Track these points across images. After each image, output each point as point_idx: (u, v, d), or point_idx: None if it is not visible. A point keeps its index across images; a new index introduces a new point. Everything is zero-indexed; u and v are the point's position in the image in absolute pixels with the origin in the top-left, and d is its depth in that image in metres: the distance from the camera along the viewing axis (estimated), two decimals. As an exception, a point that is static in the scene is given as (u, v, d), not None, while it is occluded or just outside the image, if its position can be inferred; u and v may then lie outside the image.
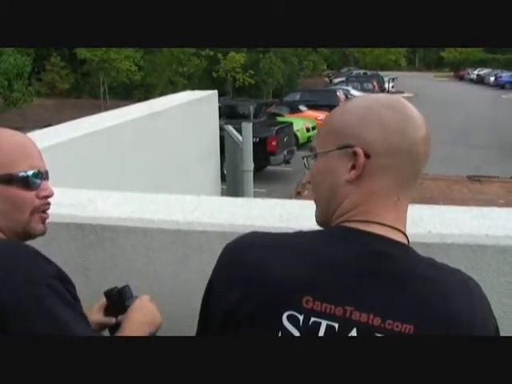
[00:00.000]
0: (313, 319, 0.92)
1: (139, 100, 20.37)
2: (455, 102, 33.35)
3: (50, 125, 5.85)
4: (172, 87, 29.16)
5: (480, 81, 49.54)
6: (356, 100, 1.09)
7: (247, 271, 0.98)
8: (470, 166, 12.99)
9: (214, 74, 33.75)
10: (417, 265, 0.99)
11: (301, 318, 0.92)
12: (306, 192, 4.54)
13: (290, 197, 4.77)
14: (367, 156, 0.98)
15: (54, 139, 3.16)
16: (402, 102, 1.03)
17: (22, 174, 1.23)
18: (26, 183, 1.23)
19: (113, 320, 1.38)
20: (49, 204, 1.31)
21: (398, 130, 0.98)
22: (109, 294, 1.42)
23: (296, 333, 0.93)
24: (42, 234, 1.30)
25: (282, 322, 0.93)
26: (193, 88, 7.60)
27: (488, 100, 35.10)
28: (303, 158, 1.14)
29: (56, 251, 1.48)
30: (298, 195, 4.59)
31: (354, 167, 1.00)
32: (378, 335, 0.91)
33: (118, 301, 1.40)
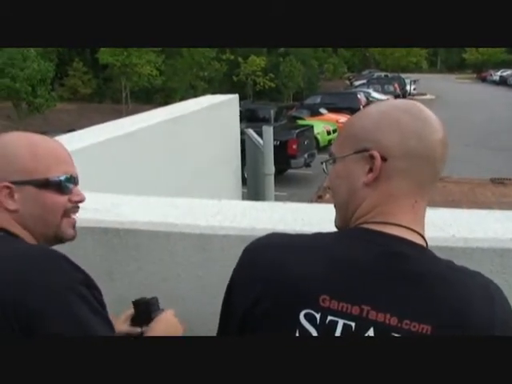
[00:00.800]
0: (329, 318, 0.93)
1: (160, 104, 20.49)
2: (478, 104, 33.00)
3: (73, 130, 5.92)
4: (193, 91, 29.32)
5: (503, 82, 48.93)
6: (372, 105, 1.10)
7: (264, 271, 1.00)
8: (493, 168, 12.83)
9: (235, 78, 33.86)
10: (435, 266, 0.99)
11: (318, 316, 0.93)
12: (328, 195, 4.53)
13: (310, 200, 4.76)
14: (384, 159, 0.99)
15: (78, 144, 3.20)
16: (418, 106, 1.04)
17: (56, 178, 1.25)
18: (59, 188, 1.26)
19: (138, 330, 1.39)
20: (78, 208, 1.33)
21: (415, 134, 1.00)
22: (136, 304, 1.43)
23: (313, 331, 0.94)
24: (72, 238, 1.32)
25: (299, 320, 0.94)
26: (213, 92, 7.65)
27: (511, 101, 34.65)
28: (322, 163, 1.16)
29: (81, 255, 1.50)
30: (319, 199, 4.58)
31: (371, 170, 1.01)
32: (395, 335, 0.91)
33: (145, 311, 1.40)
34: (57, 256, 1.12)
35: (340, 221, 1.11)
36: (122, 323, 1.41)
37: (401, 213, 1.01)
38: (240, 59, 33.29)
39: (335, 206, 1.12)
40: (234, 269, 1.09)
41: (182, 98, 17.07)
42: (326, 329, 0.93)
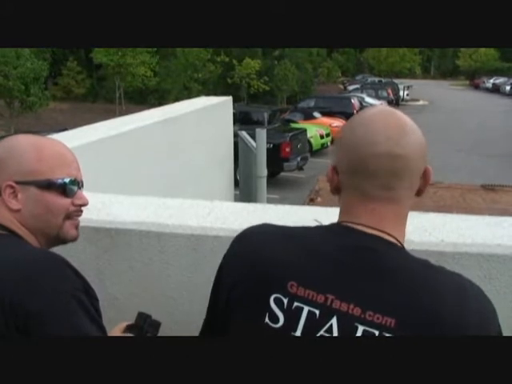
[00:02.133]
0: (296, 304, 0.98)
1: (154, 105, 20.48)
2: (470, 111, 33.15)
3: (66, 129, 5.91)
4: (187, 93, 29.27)
5: (496, 89, 49.19)
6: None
7: (246, 255, 1.09)
8: (484, 174, 12.88)
9: (229, 80, 33.85)
10: (406, 262, 1.01)
11: (285, 301, 0.99)
12: (319, 199, 4.54)
13: (303, 203, 4.77)
14: (337, 173, 1.08)
15: (71, 143, 3.19)
16: (373, 116, 1.07)
17: (60, 180, 1.26)
18: (63, 190, 1.27)
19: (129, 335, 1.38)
20: (82, 211, 1.34)
21: (352, 147, 1.05)
22: (142, 316, 1.40)
23: (280, 315, 0.99)
24: (75, 239, 1.33)
25: (269, 303, 1.00)
26: (207, 94, 7.66)
27: (504, 109, 34.82)
28: None
29: (72, 254, 1.50)
30: (311, 202, 4.58)
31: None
32: (358, 325, 0.94)
33: (143, 329, 1.37)
34: (62, 262, 1.14)
35: None
36: (118, 331, 1.40)
37: (365, 216, 1.05)
38: (234, 61, 33.28)
39: None
40: (221, 261, 1.17)
41: (176, 100, 17.06)
42: (292, 314, 0.98)
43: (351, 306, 0.95)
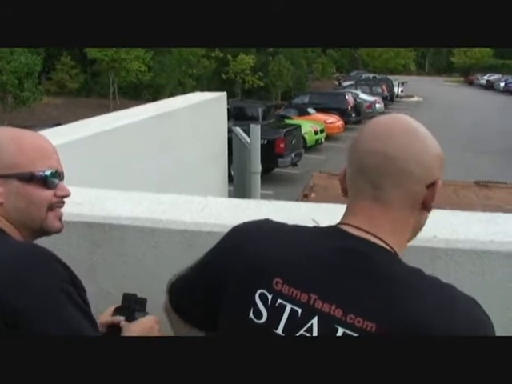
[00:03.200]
0: (279, 301, 0.99)
1: (148, 100, 20.44)
2: (465, 107, 33.23)
3: (59, 124, 5.89)
4: (181, 88, 29.20)
5: (490, 86, 49.33)
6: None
7: (236, 249, 1.11)
8: (478, 171, 12.93)
9: (224, 76, 33.79)
10: (396, 269, 1.00)
11: (270, 297, 1.00)
12: (313, 194, 4.55)
13: (296, 199, 4.77)
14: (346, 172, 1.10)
15: (64, 138, 3.18)
16: (385, 120, 1.10)
17: (41, 173, 1.26)
18: (44, 182, 1.27)
19: (120, 318, 1.39)
20: (64, 203, 1.34)
21: (355, 146, 1.08)
22: (125, 297, 1.42)
23: (264, 312, 1.00)
24: (59, 231, 1.33)
25: (255, 298, 1.01)
26: (202, 89, 7.64)
27: (497, 106, 34.94)
28: None
29: (64, 249, 1.50)
30: (305, 198, 4.58)
31: None
32: (338, 327, 0.93)
33: (128, 307, 1.39)
34: (48, 255, 1.13)
35: None
36: (107, 315, 1.41)
37: (358, 216, 1.06)
38: (229, 57, 33.22)
39: None
40: (214, 246, 1.22)
41: (171, 95, 17.03)
42: (275, 311, 0.99)
43: (333, 307, 0.95)
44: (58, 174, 1.31)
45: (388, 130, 1.05)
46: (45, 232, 1.31)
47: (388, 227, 1.04)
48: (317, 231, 1.11)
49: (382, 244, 1.02)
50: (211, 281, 1.13)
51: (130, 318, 1.37)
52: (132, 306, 1.38)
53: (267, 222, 1.19)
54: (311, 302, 0.96)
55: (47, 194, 1.28)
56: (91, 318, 1.15)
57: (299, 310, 0.97)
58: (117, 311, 1.39)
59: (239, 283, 1.05)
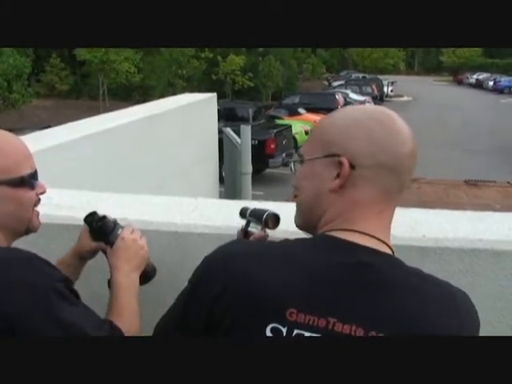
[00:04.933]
0: (296, 331, 0.92)
1: (138, 102, 20.35)
2: (454, 107, 33.37)
3: (49, 126, 5.86)
4: (171, 89, 29.15)
5: (479, 85, 49.55)
6: (345, 111, 1.10)
7: (234, 281, 0.98)
8: (467, 170, 13.00)
9: (214, 77, 33.74)
10: (401, 275, 0.99)
11: (284, 330, 0.93)
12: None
13: (287, 200, 4.78)
14: (352, 167, 1.00)
15: (54, 141, 3.18)
16: (390, 115, 1.05)
17: (27, 175, 1.25)
18: (30, 183, 1.27)
19: (103, 245, 1.46)
20: (40, 200, 1.34)
21: (385, 146, 1.01)
22: (89, 223, 1.50)
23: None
24: (37, 229, 1.33)
25: (265, 334, 0.93)
26: (192, 90, 7.63)
27: (487, 105, 35.11)
28: (290, 162, 1.17)
29: (56, 252, 1.49)
30: (296, 198, 4.60)
31: (338, 176, 1.02)
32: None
33: (101, 233, 1.47)
34: (32, 257, 1.13)
35: (301, 221, 1.13)
36: (85, 239, 1.49)
37: (366, 221, 1.02)
38: (219, 58, 33.19)
39: (298, 205, 1.13)
40: (200, 272, 1.08)
41: (161, 96, 16.96)
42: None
43: (353, 328, 0.91)
44: (36, 172, 1.30)
45: (402, 125, 1.04)
46: (27, 232, 1.31)
47: (389, 230, 1.05)
48: (309, 245, 1.03)
49: (386, 250, 1.02)
50: (200, 323, 1.02)
51: (109, 243, 1.45)
52: (104, 232, 1.46)
53: (243, 244, 1.10)
54: (330, 326, 0.92)
55: (32, 195, 1.28)
56: (84, 306, 1.16)
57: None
58: (93, 237, 1.49)
59: (240, 321, 0.96)
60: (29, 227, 1.29)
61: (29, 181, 1.26)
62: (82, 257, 1.52)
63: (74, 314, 1.09)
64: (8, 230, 1.24)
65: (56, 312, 1.07)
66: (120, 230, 1.46)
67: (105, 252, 1.46)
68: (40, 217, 1.34)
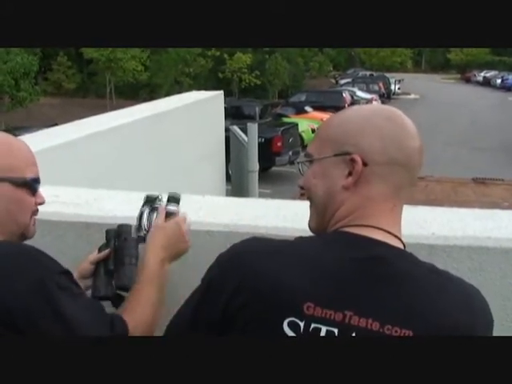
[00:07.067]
0: (313, 325, 0.93)
1: (145, 100, 20.40)
2: (461, 104, 33.26)
3: (56, 124, 5.88)
4: (178, 87, 29.19)
5: (486, 83, 49.38)
6: (352, 110, 1.13)
7: (249, 279, 0.99)
8: (475, 168, 12.95)
9: (220, 75, 33.78)
10: (416, 270, 1.00)
11: (301, 324, 0.93)
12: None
13: (294, 197, 4.77)
14: (364, 164, 1.02)
15: (61, 139, 3.18)
16: (397, 112, 1.07)
17: (30, 179, 1.26)
18: (32, 188, 1.28)
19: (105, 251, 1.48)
20: (38, 210, 1.35)
21: (396, 141, 1.03)
22: (108, 233, 1.53)
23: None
24: (32, 237, 1.33)
25: (282, 328, 0.94)
26: (199, 88, 7.64)
27: (494, 102, 34.99)
28: (297, 163, 1.18)
29: (62, 249, 1.50)
30: (303, 196, 4.59)
31: (350, 174, 1.03)
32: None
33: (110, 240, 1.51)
34: (30, 251, 1.13)
35: (316, 223, 1.13)
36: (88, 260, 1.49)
37: (380, 216, 1.03)
38: (226, 56, 33.21)
39: (311, 207, 1.13)
40: (211, 276, 1.09)
41: (167, 94, 17.01)
42: (309, 337, 0.93)
43: (369, 321, 0.92)
44: (39, 181, 1.31)
45: (410, 122, 1.07)
46: (22, 237, 1.30)
47: (400, 225, 1.06)
48: (324, 241, 1.05)
49: (399, 245, 1.03)
50: (214, 321, 1.02)
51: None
52: (114, 239, 1.49)
53: (259, 242, 1.08)
54: (347, 320, 0.93)
55: (32, 201, 1.28)
56: (87, 298, 1.17)
57: (335, 330, 0.93)
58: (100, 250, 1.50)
59: (257, 316, 0.97)
60: (24, 233, 1.29)
61: (31, 185, 1.27)
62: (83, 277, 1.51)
63: (74, 307, 1.09)
64: (4, 228, 1.23)
65: (55, 305, 1.06)
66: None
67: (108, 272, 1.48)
68: (47, 215, 1.34)
